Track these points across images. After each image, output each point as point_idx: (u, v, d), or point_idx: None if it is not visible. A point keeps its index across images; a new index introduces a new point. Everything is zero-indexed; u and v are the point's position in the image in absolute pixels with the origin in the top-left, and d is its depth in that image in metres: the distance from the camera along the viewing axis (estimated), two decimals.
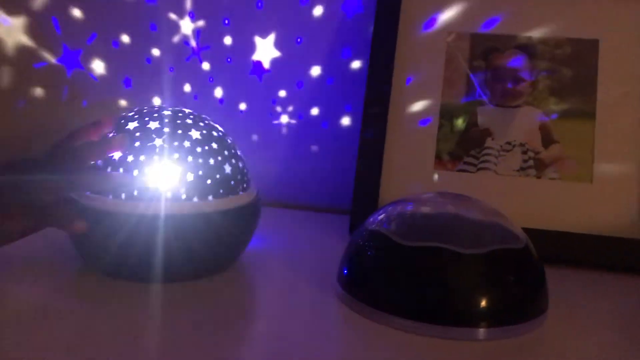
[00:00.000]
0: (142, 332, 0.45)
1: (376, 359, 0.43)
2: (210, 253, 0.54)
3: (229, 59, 0.82)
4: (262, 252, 0.62)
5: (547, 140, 0.66)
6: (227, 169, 0.54)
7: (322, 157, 0.82)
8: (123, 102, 0.86)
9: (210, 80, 0.83)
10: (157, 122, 0.53)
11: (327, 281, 0.54)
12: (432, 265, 0.46)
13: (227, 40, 0.81)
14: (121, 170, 0.51)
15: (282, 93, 0.81)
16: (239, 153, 0.57)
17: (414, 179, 0.68)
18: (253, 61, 0.81)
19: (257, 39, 0.80)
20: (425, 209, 0.50)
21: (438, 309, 0.45)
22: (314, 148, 0.82)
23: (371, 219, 0.52)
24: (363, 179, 0.68)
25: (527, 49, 0.67)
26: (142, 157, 0.51)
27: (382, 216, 0.51)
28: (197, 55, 0.82)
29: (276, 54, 0.81)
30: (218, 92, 0.83)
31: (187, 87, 0.84)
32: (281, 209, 0.81)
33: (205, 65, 0.83)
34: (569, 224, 0.63)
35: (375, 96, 0.69)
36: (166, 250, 0.50)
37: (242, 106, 0.83)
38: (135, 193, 0.50)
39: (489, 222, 0.50)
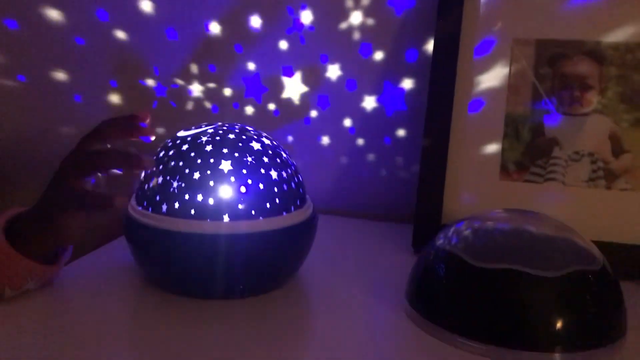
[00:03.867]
0: (204, 349, 0.46)
1: None
2: (270, 270, 0.54)
3: None
4: (322, 263, 0.63)
5: (618, 149, 0.64)
6: (285, 185, 0.54)
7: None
8: None
9: None
10: (211, 138, 0.53)
11: (394, 297, 0.54)
12: (507, 288, 0.45)
13: None
14: (175, 183, 0.51)
15: None
16: (294, 167, 0.57)
17: (479, 190, 0.67)
18: None
19: None
20: (496, 228, 0.50)
21: (512, 333, 0.44)
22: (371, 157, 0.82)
23: (441, 237, 0.51)
24: (426, 191, 0.67)
25: (596, 54, 0.65)
26: (196, 175, 0.51)
27: (452, 235, 0.50)
28: None
29: None
30: None
31: None
32: (336, 217, 0.81)
33: None
34: None
35: (438, 105, 0.68)
36: (225, 268, 0.51)
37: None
38: (193, 212, 0.50)
39: (562, 240, 0.48)
